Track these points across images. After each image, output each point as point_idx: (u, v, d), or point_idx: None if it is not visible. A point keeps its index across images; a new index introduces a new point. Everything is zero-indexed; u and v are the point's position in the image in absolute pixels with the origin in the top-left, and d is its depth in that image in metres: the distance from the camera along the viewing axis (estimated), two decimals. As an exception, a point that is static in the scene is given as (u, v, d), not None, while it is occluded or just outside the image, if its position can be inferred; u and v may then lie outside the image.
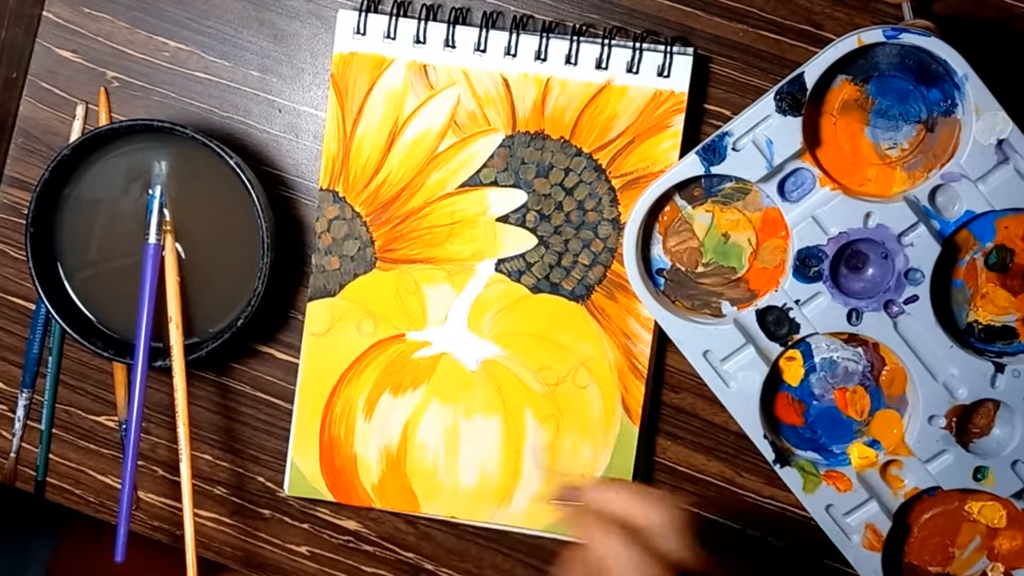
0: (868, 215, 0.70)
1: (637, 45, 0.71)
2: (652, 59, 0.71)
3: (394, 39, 0.73)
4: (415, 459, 0.75)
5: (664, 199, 0.72)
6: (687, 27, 0.74)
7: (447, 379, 0.74)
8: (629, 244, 0.71)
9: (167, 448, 0.78)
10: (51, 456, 0.78)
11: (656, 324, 0.73)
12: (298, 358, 0.75)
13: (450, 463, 0.74)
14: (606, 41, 0.72)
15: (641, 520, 0.59)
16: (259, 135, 0.76)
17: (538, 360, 0.74)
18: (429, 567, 0.78)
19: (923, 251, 0.70)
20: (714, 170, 0.70)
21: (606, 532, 0.59)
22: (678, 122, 0.72)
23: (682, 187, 0.72)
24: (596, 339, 0.73)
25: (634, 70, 0.72)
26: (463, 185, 0.73)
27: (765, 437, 0.72)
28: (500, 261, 0.74)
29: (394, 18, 0.72)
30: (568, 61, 0.72)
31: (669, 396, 0.76)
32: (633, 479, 0.74)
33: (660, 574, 0.57)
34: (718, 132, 0.70)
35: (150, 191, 0.71)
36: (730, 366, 0.72)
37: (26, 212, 0.71)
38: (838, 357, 0.73)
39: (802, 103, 0.68)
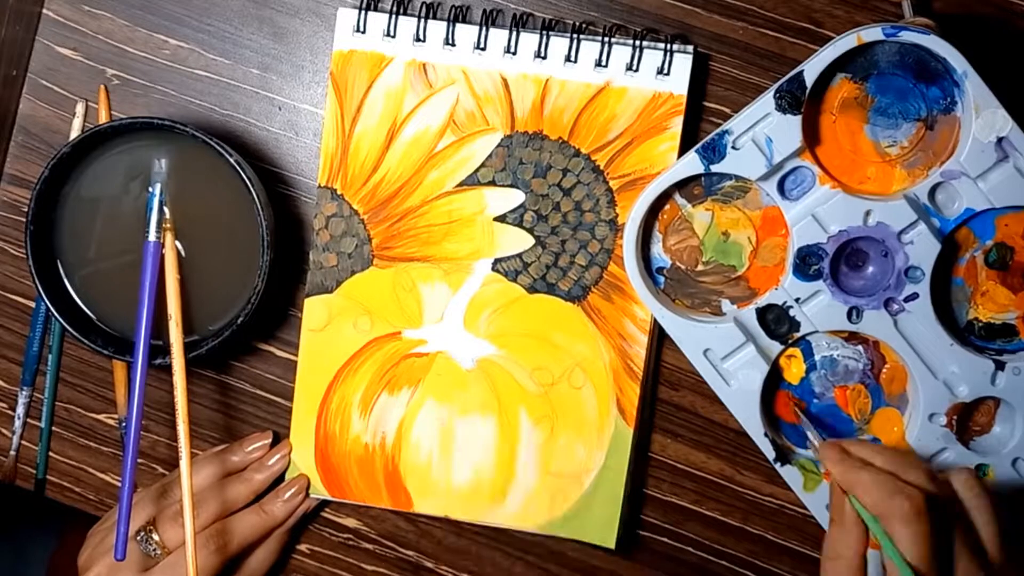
0: (868, 213, 0.69)
1: (637, 43, 0.71)
2: (652, 57, 0.71)
3: (394, 37, 0.72)
4: (409, 457, 0.74)
5: (664, 197, 0.72)
6: (687, 25, 0.73)
7: (442, 378, 0.74)
8: (629, 243, 0.71)
9: (167, 446, 0.78)
10: (51, 454, 0.79)
11: (652, 326, 0.73)
12: (297, 355, 0.75)
13: (444, 462, 0.74)
14: (606, 39, 0.71)
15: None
16: (259, 133, 0.76)
17: (533, 360, 0.74)
18: (429, 565, 0.78)
19: (923, 249, 0.69)
20: (714, 168, 0.70)
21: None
22: (676, 124, 0.72)
23: (682, 185, 0.72)
24: (591, 340, 0.73)
25: (634, 68, 0.71)
26: (461, 184, 0.73)
27: (765, 435, 0.72)
28: (497, 261, 0.73)
29: (394, 16, 0.72)
30: (568, 59, 0.72)
31: (669, 394, 0.75)
32: (627, 481, 0.74)
33: (911, 492, 0.60)
34: (718, 130, 0.69)
35: (150, 189, 0.71)
36: (730, 364, 0.71)
37: (26, 210, 0.72)
38: (838, 355, 0.73)
39: (802, 101, 0.68)
